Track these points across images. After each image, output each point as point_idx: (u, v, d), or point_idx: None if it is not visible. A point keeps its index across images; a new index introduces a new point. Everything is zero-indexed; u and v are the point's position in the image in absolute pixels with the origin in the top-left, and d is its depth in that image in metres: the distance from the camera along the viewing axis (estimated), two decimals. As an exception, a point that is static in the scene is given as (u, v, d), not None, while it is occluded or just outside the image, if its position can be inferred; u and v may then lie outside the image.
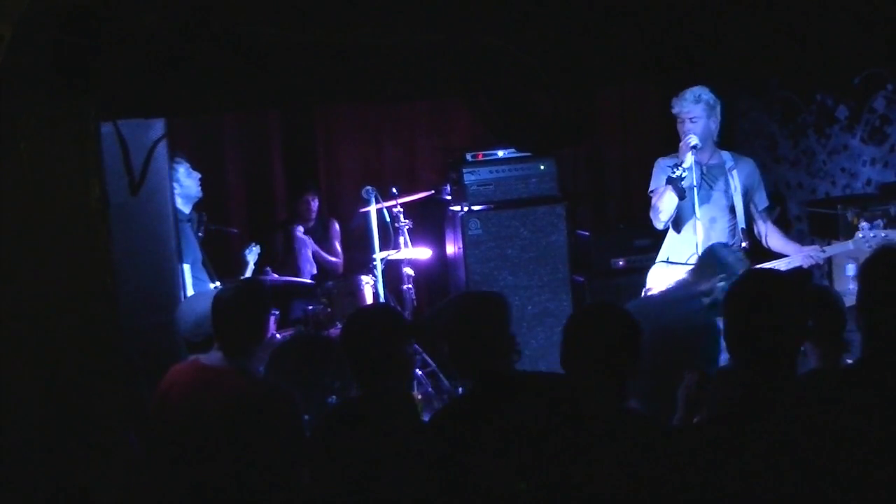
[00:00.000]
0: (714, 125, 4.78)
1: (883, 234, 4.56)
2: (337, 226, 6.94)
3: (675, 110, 4.79)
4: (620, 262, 5.79)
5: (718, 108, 4.80)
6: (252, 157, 7.14)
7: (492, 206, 6.25)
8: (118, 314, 2.27)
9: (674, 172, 4.69)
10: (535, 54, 2.68)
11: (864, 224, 4.67)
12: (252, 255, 6.02)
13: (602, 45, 2.91)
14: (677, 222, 4.96)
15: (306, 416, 5.11)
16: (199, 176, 5.20)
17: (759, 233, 4.94)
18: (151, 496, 3.04)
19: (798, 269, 4.68)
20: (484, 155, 6.31)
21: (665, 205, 4.79)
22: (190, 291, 4.92)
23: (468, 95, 3.26)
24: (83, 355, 2.22)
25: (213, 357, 3.50)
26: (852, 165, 6.32)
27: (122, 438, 2.31)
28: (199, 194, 5.21)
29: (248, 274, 5.79)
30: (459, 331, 3.09)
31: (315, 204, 6.72)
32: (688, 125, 4.73)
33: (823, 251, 4.70)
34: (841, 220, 5.63)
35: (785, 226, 6.69)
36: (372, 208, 5.87)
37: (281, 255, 6.69)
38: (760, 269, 4.64)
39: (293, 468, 3.30)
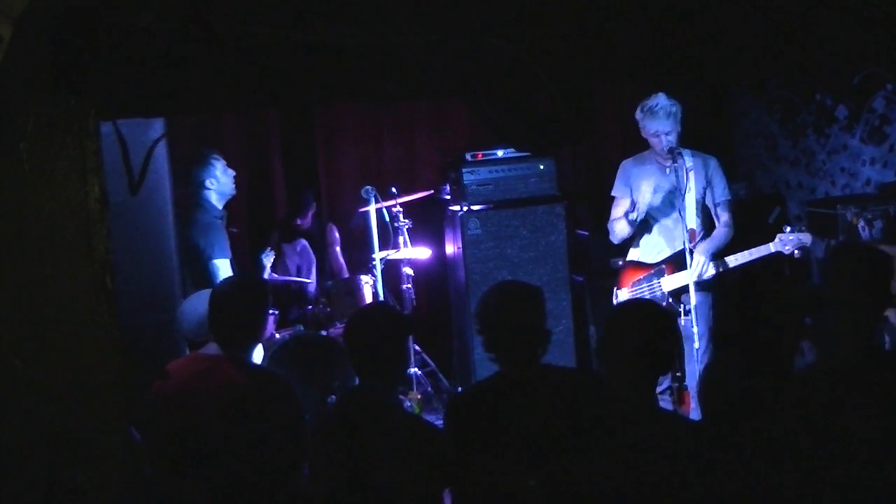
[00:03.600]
0: (680, 127, 4.96)
1: (801, 237, 4.76)
2: (336, 232, 6.93)
3: (650, 128, 4.95)
4: (619, 262, 5.77)
5: (680, 112, 4.97)
6: (252, 157, 7.14)
7: (491, 205, 6.25)
8: (118, 314, 2.27)
9: (630, 213, 5.02)
10: (535, 54, 2.68)
11: (786, 227, 4.85)
12: (269, 258, 6.03)
13: (602, 45, 2.91)
14: (644, 221, 5.14)
15: (306, 416, 5.13)
16: (234, 174, 5.22)
17: (717, 225, 5.07)
18: (150, 494, 3.05)
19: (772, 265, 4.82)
20: (483, 155, 6.32)
21: (619, 231, 5.17)
22: None
23: (468, 95, 3.26)
24: (83, 355, 2.22)
25: (210, 348, 3.51)
26: (852, 165, 6.33)
27: (120, 438, 2.30)
28: (233, 192, 5.23)
29: (266, 276, 5.79)
30: (500, 318, 3.15)
31: (306, 222, 6.72)
32: (664, 139, 4.92)
33: (748, 254, 4.84)
34: (840, 219, 5.63)
35: (785, 225, 6.70)
36: (371, 208, 5.87)
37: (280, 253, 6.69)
38: (755, 268, 4.73)
39: (293, 453, 3.31)
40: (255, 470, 3.27)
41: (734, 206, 5.18)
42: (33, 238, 2.20)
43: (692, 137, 5.15)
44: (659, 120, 4.92)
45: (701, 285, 4.86)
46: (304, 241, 6.68)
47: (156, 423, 3.39)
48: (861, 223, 5.56)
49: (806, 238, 4.78)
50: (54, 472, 2.18)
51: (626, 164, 5.29)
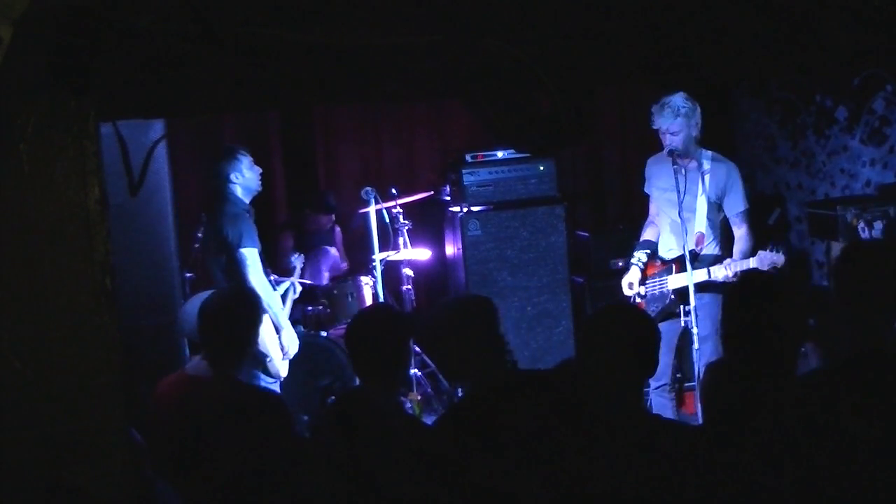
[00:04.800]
0: (695, 131, 4.90)
1: (774, 258, 4.73)
2: (339, 232, 6.94)
3: (655, 125, 4.93)
4: (620, 263, 5.78)
5: (697, 112, 4.92)
6: (252, 157, 7.13)
7: (491, 206, 6.26)
8: (118, 314, 2.27)
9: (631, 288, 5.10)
10: (534, 54, 2.68)
11: (770, 245, 4.81)
12: (299, 261, 6.00)
13: (601, 45, 2.91)
14: (660, 219, 5.17)
15: (305, 417, 5.13)
16: (260, 171, 5.20)
17: (735, 238, 5.05)
18: (150, 495, 3.05)
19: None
20: (483, 156, 6.31)
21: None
22: (260, 276, 4.91)
23: (468, 96, 3.26)
24: (83, 355, 2.22)
25: (199, 366, 3.49)
26: (852, 166, 6.32)
27: (121, 438, 2.30)
28: (259, 188, 5.20)
29: (297, 278, 5.76)
30: (447, 336, 3.11)
31: (324, 220, 6.72)
32: (669, 138, 4.88)
33: (730, 265, 4.83)
34: (840, 220, 5.63)
35: (785, 227, 6.70)
36: (371, 209, 5.86)
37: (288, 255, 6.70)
38: (759, 269, 4.72)
39: (286, 471, 3.30)
40: (246, 484, 3.26)
41: (750, 215, 5.10)
42: (33, 239, 2.20)
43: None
44: (664, 117, 4.88)
45: (710, 286, 4.85)
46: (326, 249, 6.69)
47: (150, 438, 3.39)
48: (861, 224, 5.56)
49: (778, 259, 4.75)
50: (54, 472, 2.17)
51: (648, 162, 5.26)
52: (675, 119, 4.87)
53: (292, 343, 4.95)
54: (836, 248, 5.68)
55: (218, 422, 3.31)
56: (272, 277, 5.33)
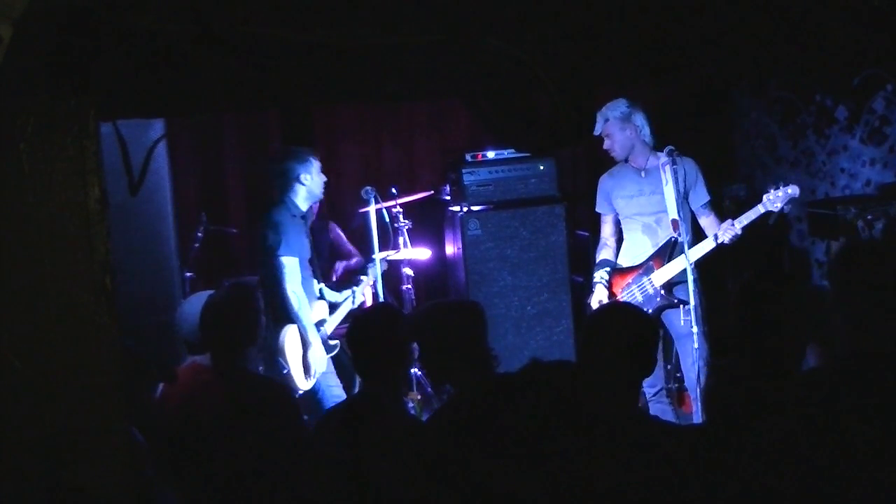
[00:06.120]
0: (632, 132, 5.15)
1: (789, 192, 4.86)
2: (338, 230, 6.89)
3: (594, 132, 5.14)
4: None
5: (636, 116, 5.16)
6: (252, 157, 7.14)
7: (491, 206, 6.26)
8: (118, 314, 2.27)
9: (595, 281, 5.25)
10: (535, 54, 2.68)
11: (770, 188, 4.94)
12: (382, 265, 5.73)
13: (602, 45, 2.91)
14: (629, 227, 5.27)
15: (306, 417, 5.13)
16: (325, 179, 5.18)
17: (703, 227, 5.20)
18: (151, 495, 3.05)
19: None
20: (483, 155, 6.32)
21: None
22: (296, 286, 4.85)
23: (467, 96, 3.26)
24: (83, 355, 2.22)
25: (210, 358, 3.51)
26: (852, 166, 6.32)
27: (120, 438, 2.30)
28: (321, 195, 5.20)
29: (365, 286, 5.62)
30: (430, 341, 3.11)
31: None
32: (606, 142, 5.21)
33: (733, 223, 4.95)
34: (840, 220, 5.62)
35: (785, 226, 6.70)
36: (371, 208, 5.86)
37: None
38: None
39: (294, 461, 3.31)
40: (255, 472, 3.27)
41: (715, 206, 5.26)
42: (33, 238, 2.20)
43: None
44: (597, 125, 5.12)
45: (684, 281, 4.90)
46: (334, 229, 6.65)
47: (159, 433, 3.39)
48: (861, 224, 5.56)
49: (794, 191, 4.85)
50: (54, 472, 2.17)
51: (602, 179, 5.46)
52: (604, 123, 5.14)
53: (318, 362, 4.89)
54: (837, 248, 5.69)
55: (227, 410, 3.33)
56: (321, 286, 5.28)
